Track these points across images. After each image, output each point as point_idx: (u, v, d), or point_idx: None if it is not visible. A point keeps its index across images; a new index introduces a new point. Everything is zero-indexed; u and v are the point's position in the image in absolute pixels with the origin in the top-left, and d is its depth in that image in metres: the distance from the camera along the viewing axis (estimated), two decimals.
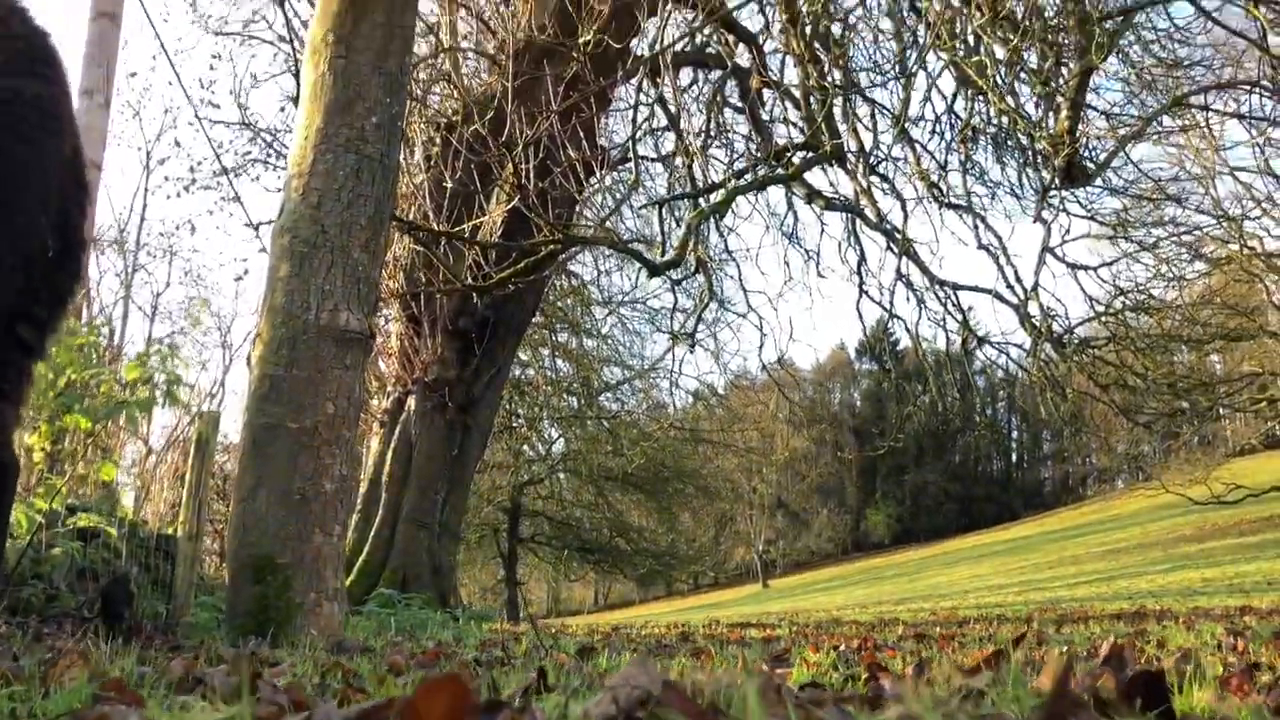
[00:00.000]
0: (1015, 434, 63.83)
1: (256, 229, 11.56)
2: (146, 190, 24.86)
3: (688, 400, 25.17)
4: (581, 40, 7.61)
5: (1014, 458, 64.45)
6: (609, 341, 21.00)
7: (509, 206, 8.00)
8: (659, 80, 9.62)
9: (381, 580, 9.11)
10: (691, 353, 14.10)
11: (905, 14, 9.50)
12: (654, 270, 7.79)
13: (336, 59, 4.37)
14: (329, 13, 4.46)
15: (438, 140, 9.24)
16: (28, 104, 1.89)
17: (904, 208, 10.67)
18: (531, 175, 7.02)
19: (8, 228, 1.84)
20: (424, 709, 0.75)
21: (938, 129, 10.56)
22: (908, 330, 12.19)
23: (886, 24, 9.47)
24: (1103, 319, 11.73)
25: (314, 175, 4.26)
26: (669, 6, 8.10)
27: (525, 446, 25.42)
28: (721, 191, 8.27)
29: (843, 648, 3.17)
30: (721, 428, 27.03)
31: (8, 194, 1.81)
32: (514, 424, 23.13)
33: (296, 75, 8.27)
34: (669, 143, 12.38)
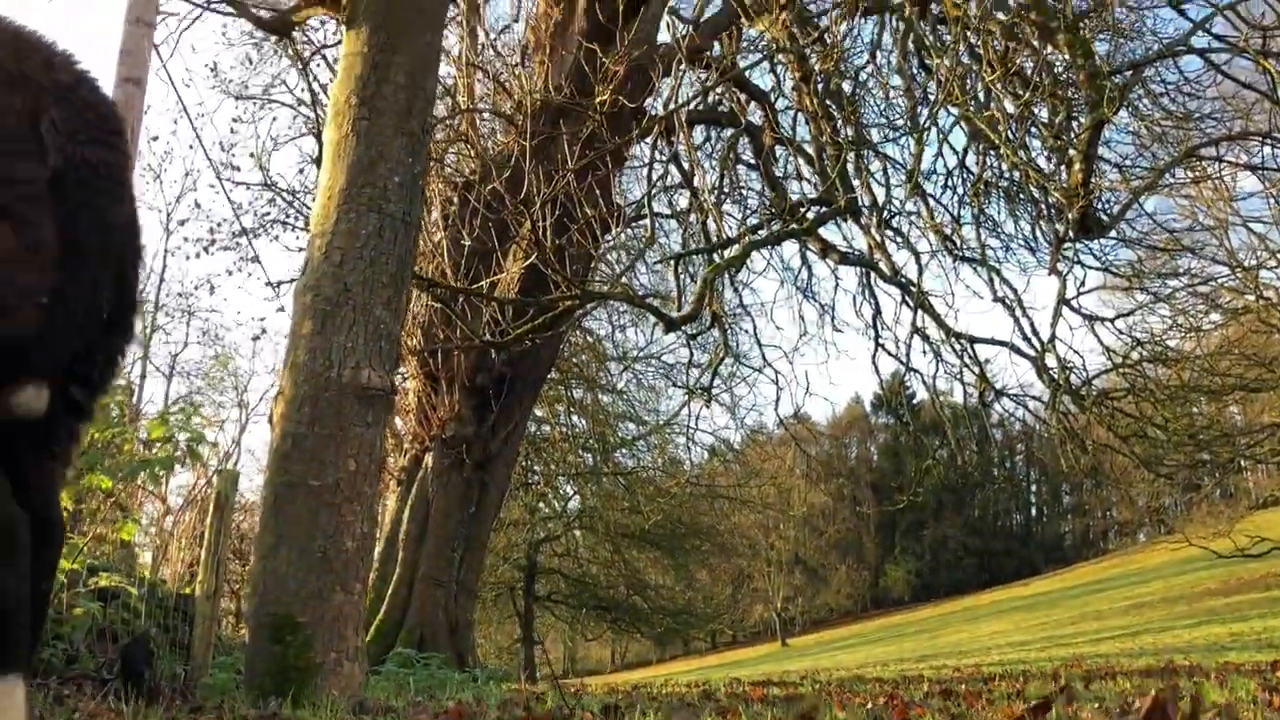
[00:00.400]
0: (1034, 487, 63.26)
1: (276, 288, 11.67)
2: (166, 251, 25.15)
3: (704, 456, 25.09)
4: (598, 100, 7.72)
5: (1033, 511, 63.81)
6: (624, 397, 21.02)
7: (526, 263, 8.07)
8: (673, 138, 9.74)
9: (399, 639, 9.04)
10: (708, 407, 14.13)
11: (915, 71, 9.62)
12: (670, 325, 7.82)
13: (360, 120, 4.44)
14: (352, 75, 4.54)
15: (455, 199, 9.35)
16: (97, 171, 1.94)
17: (918, 261, 10.71)
18: (548, 232, 7.08)
19: (74, 290, 1.89)
20: None
21: (950, 183, 10.64)
22: (924, 383, 12.17)
23: (897, 80, 9.58)
24: (1121, 370, 11.68)
25: (337, 234, 4.31)
26: (683, 67, 8.22)
27: (541, 503, 25.33)
28: (737, 246, 8.32)
29: (870, 706, 3.12)
30: (738, 483, 26.89)
31: (76, 259, 1.86)
32: (529, 480, 23.08)
33: (318, 136, 8.40)
34: (683, 199, 12.51)
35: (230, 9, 5.46)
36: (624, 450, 22.87)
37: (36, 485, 1.97)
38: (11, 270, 1.74)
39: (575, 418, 21.45)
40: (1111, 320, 11.55)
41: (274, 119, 32.67)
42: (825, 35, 8.27)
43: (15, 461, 1.87)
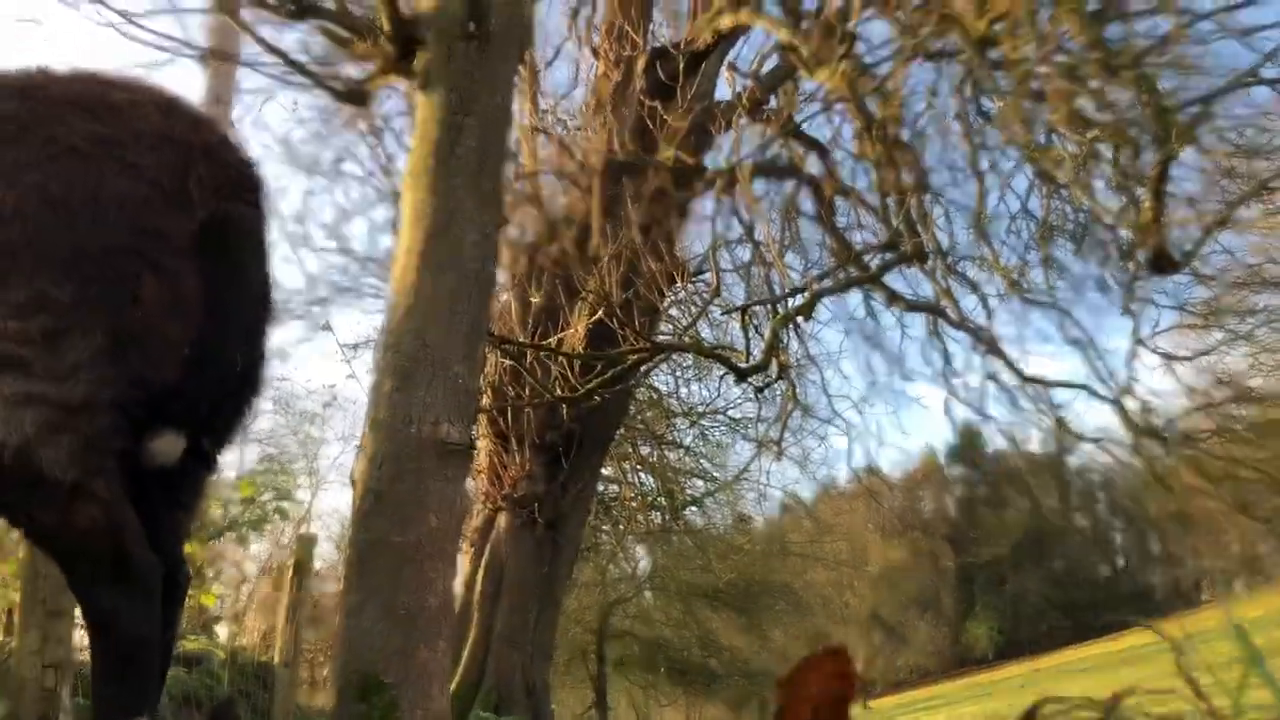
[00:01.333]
0: (1119, 536, 61.39)
1: (352, 350, 11.86)
2: None
3: (775, 511, 24.80)
4: (661, 156, 7.82)
5: (1120, 561, 61.86)
6: (691, 453, 20.90)
7: (594, 319, 8.13)
8: (734, 192, 9.78)
9: (476, 701, 9.00)
10: (778, 460, 13.99)
11: (973, 116, 9.59)
12: (740, 375, 7.79)
13: (436, 181, 4.54)
14: (428, 139, 4.66)
15: (522, 260, 9.48)
16: (239, 227, 2.02)
17: (986, 306, 10.56)
18: (615, 287, 7.14)
19: (213, 343, 1.94)
20: None
21: (1014, 227, 10.52)
22: (1000, 431, 11.94)
23: (956, 125, 9.55)
24: (1206, 411, 11.35)
25: (416, 293, 4.39)
26: (743, 120, 8.29)
27: (610, 565, 25.19)
28: (803, 295, 8.30)
29: None
30: (811, 539, 26.52)
31: (216, 312, 1.92)
32: (599, 541, 22.99)
33: (394, 201, 8.60)
34: (743, 253, 12.54)
35: (307, 80, 5.64)
36: (694, 508, 22.71)
37: (166, 535, 2.01)
38: (158, 322, 1.80)
39: (643, 475, 21.38)
40: (1190, 359, 11.25)
41: (345, 191, 33.48)
42: (886, 83, 8.29)
43: (147, 510, 1.89)
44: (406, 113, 10.36)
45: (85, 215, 1.77)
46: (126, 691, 1.73)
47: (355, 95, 5.30)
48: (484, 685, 9.31)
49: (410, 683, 3.86)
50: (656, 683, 29.94)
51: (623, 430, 16.61)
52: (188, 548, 4.38)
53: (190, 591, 4.94)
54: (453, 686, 9.24)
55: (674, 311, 13.45)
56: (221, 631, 6.54)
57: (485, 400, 10.10)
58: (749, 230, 9.81)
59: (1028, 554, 56.29)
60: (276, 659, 4.78)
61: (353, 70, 5.76)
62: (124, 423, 1.77)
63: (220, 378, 1.99)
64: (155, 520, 1.94)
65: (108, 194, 1.81)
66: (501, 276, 10.33)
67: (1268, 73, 7.44)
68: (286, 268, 21.08)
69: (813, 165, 11.64)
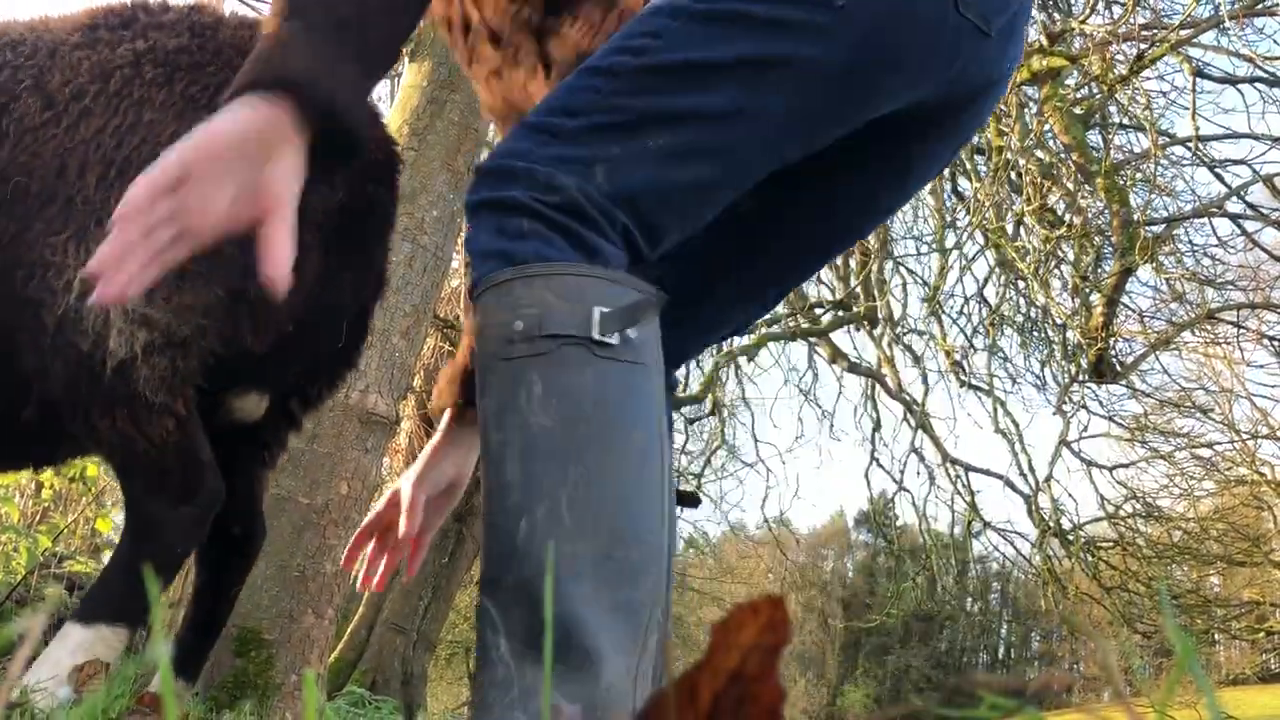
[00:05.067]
0: (1004, 629, 62.56)
1: None
2: None
3: (680, 545, 24.86)
4: None
5: (1000, 653, 63.02)
6: None
7: None
8: None
9: (350, 679, 8.84)
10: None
11: (948, 195, 9.76)
12: (675, 404, 7.80)
13: (408, 150, 4.48)
14: (408, 106, 4.60)
15: None
16: (373, 209, 2.01)
17: (925, 381, 10.74)
18: None
19: (323, 316, 1.95)
20: None
21: (965, 310, 10.72)
22: (914, 505, 12.10)
23: (929, 199, 9.71)
24: (1112, 521, 11.64)
25: None
26: None
27: None
28: (752, 336, 8.35)
29: None
30: (711, 577, 26.65)
31: (333, 288, 1.91)
32: None
33: None
34: None
35: None
36: None
37: (245, 490, 2.05)
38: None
39: None
40: (1110, 469, 11.54)
41: None
42: None
43: (231, 465, 1.93)
44: (388, 76, 10.26)
45: None
46: (131, 596, 1.71)
47: None
48: (362, 664, 9.16)
49: (291, 646, 3.77)
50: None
51: None
52: (90, 470, 4.26)
53: (87, 515, 4.80)
54: (330, 659, 9.08)
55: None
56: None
57: (417, 381, 9.99)
58: None
59: (916, 630, 57.11)
60: (157, 596, 4.63)
61: None
62: (208, 371, 1.81)
63: (319, 351, 2.02)
64: (237, 473, 1.98)
65: None
66: (456, 261, 10.24)
67: (1233, 207, 7.71)
68: None
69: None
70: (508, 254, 1.12)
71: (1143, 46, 7.12)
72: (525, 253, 1.11)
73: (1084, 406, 10.61)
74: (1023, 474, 10.76)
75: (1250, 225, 8.08)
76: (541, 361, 1.07)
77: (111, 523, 5.31)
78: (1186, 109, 7.53)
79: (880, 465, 11.78)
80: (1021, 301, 10.10)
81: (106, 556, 7.01)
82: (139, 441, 1.73)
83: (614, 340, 1.09)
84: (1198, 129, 7.51)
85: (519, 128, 1.19)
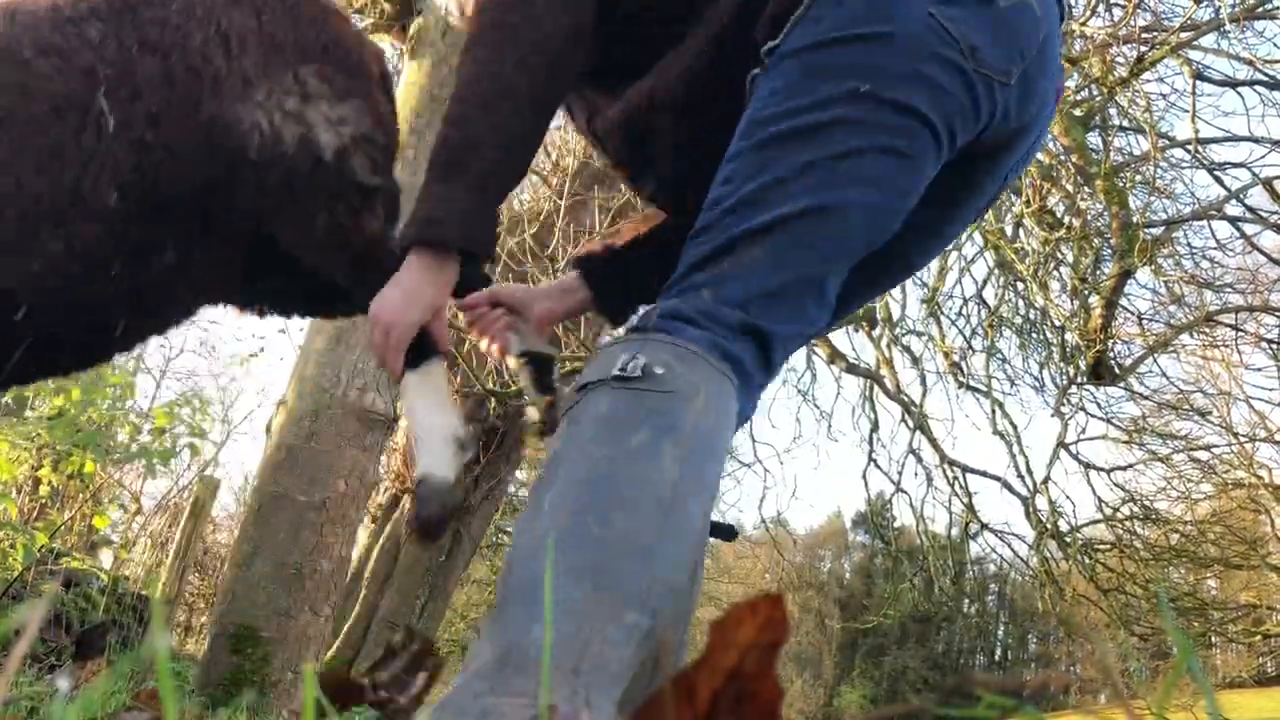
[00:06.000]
0: (1001, 630, 62.60)
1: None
2: None
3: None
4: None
5: (997, 654, 63.05)
6: None
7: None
8: None
9: None
10: None
11: None
12: None
13: (407, 148, 4.48)
14: (407, 104, 4.61)
15: None
16: None
17: (924, 382, 10.73)
18: None
19: None
20: None
21: (964, 311, 10.72)
22: (911, 506, 12.09)
23: None
24: (1110, 523, 11.63)
25: None
26: None
27: None
28: None
29: None
30: (708, 577, 26.65)
31: None
32: (499, 541, 22.79)
33: None
34: None
35: None
36: None
37: None
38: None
39: None
40: (1107, 471, 11.53)
41: None
42: None
43: None
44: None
45: None
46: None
47: None
48: (358, 663, 9.14)
49: (287, 643, 3.77)
50: None
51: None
52: (88, 466, 4.26)
53: (84, 512, 4.79)
54: (327, 657, 9.07)
55: (620, 330, 13.45)
56: (106, 558, 6.33)
57: None
58: None
59: (913, 631, 57.04)
60: (157, 594, 4.64)
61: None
62: None
63: None
64: None
65: None
66: None
67: (1232, 210, 7.70)
68: None
69: None
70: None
71: (1143, 49, 7.11)
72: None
73: (1082, 408, 10.60)
74: (1020, 476, 10.76)
75: (1249, 228, 8.08)
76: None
77: (108, 519, 5.31)
78: (1186, 111, 7.53)
79: (878, 466, 11.78)
80: (1020, 303, 10.10)
81: (104, 554, 7.00)
82: (356, 232, 1.94)
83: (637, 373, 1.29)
84: (1197, 131, 7.50)
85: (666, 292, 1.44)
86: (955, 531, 12.21)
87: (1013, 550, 12.54)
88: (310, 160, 1.93)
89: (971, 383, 10.68)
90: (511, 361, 1.81)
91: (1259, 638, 17.23)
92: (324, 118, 1.97)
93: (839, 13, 1.43)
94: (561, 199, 7.62)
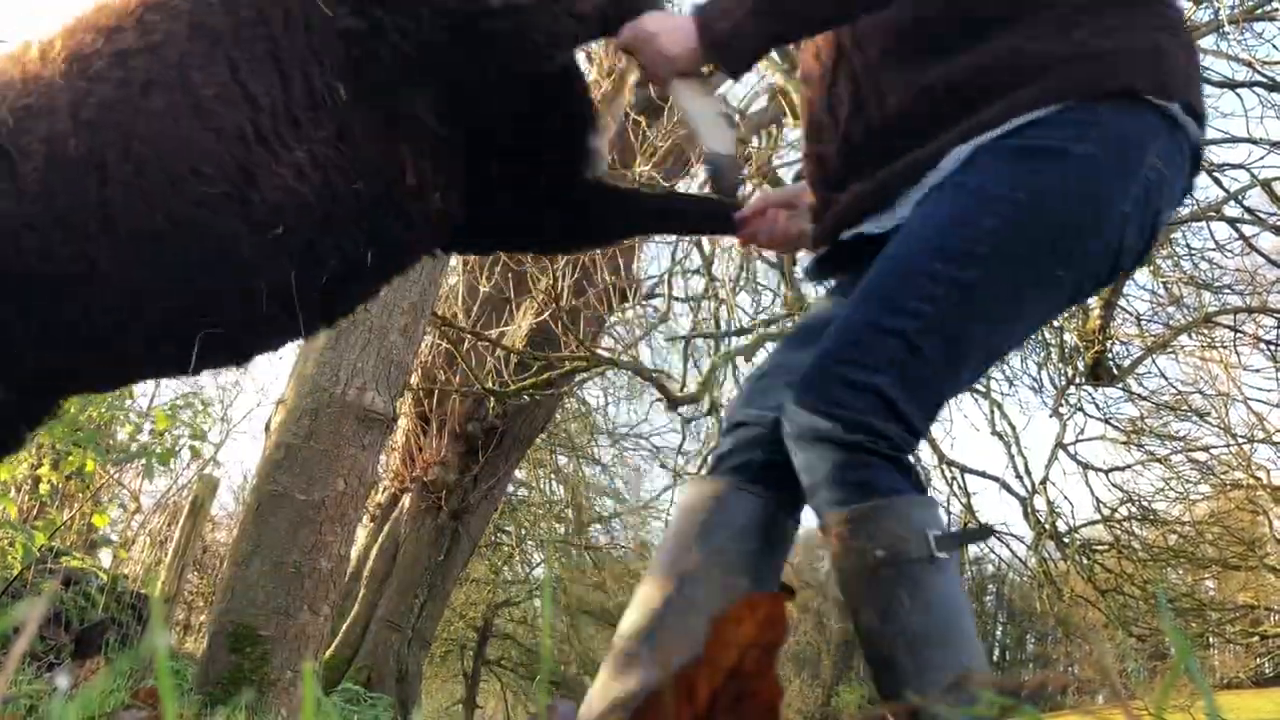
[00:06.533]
0: (999, 630, 62.51)
1: None
2: None
3: None
4: (636, 171, 7.83)
5: (995, 654, 62.97)
6: (608, 472, 20.89)
7: (539, 318, 8.09)
8: None
9: (346, 675, 8.83)
10: None
11: None
12: (673, 403, 7.80)
13: None
14: None
15: None
16: None
17: None
18: (567, 291, 7.11)
19: None
20: None
21: None
22: None
23: None
24: (1108, 523, 11.63)
25: None
26: None
27: (505, 566, 24.98)
28: (749, 336, 8.35)
29: None
30: None
31: None
32: (498, 540, 22.81)
33: None
34: (696, 284, 12.57)
35: None
36: (598, 525, 22.67)
37: None
38: None
39: (556, 485, 21.30)
40: (1106, 472, 11.53)
41: None
42: None
43: None
44: None
45: None
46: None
47: None
48: (357, 661, 9.15)
49: (286, 642, 3.77)
50: (529, 690, 29.70)
51: (544, 436, 16.54)
52: (89, 466, 4.25)
53: (84, 511, 4.79)
54: (327, 656, 9.07)
55: (619, 329, 13.46)
56: (106, 557, 6.33)
57: (414, 378, 9.98)
58: (708, 263, 9.84)
59: None
60: (156, 592, 4.63)
61: None
62: None
63: None
64: None
65: None
66: (453, 259, 10.23)
67: (1230, 211, 7.70)
68: None
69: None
70: (867, 485, 1.53)
71: None
72: (878, 485, 1.53)
73: (1080, 409, 10.61)
74: (1019, 476, 10.76)
75: (1248, 229, 8.07)
76: (905, 580, 1.50)
77: (108, 517, 5.31)
78: None
79: None
80: None
81: (103, 553, 7.00)
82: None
83: (945, 555, 1.50)
84: None
85: (826, 376, 1.60)
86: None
87: (1011, 551, 12.54)
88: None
89: (970, 385, 10.67)
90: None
91: (1257, 638, 17.24)
92: None
93: (1074, 159, 1.57)
94: None
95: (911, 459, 1.61)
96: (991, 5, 1.70)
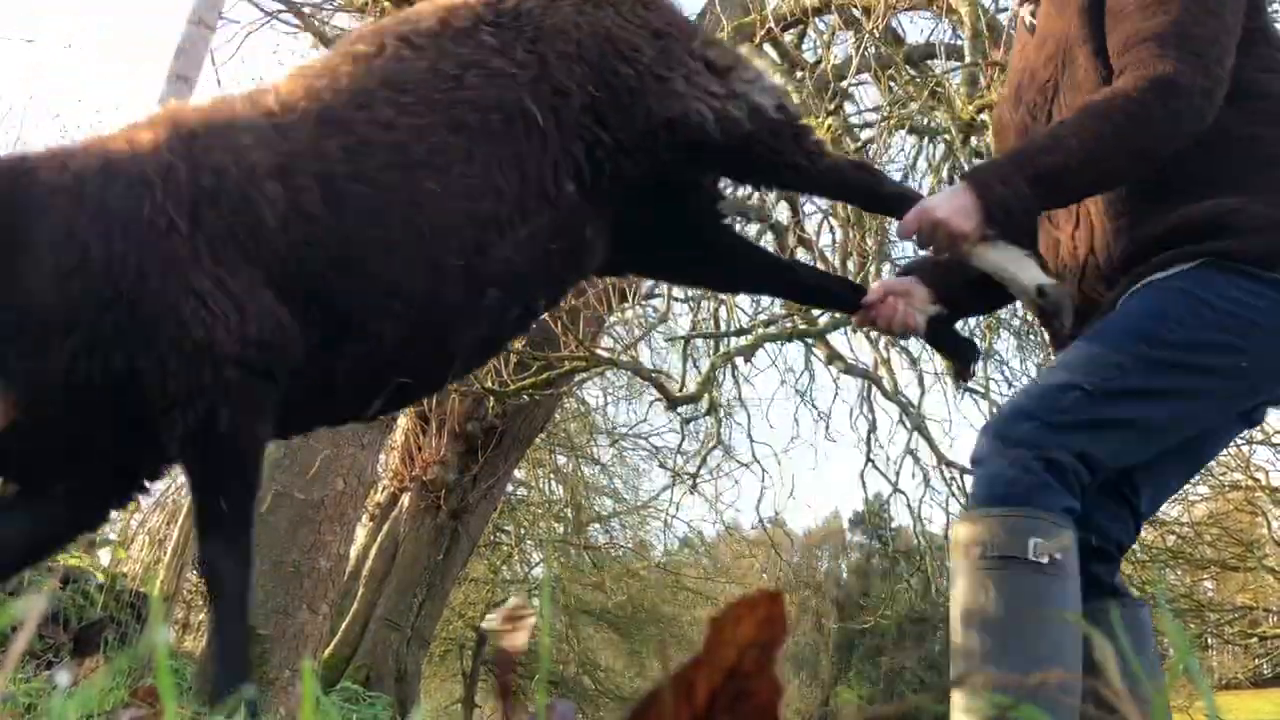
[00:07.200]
0: None
1: None
2: None
3: (674, 544, 24.82)
4: None
5: None
6: (607, 471, 20.89)
7: (539, 316, 8.09)
8: None
9: (345, 675, 8.83)
10: (692, 493, 14.04)
11: None
12: (672, 403, 7.81)
13: None
14: None
15: None
16: None
17: (922, 383, 10.74)
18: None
19: None
20: None
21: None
22: (909, 507, 12.09)
23: None
24: None
25: None
26: None
27: (504, 566, 24.98)
28: (748, 337, 8.35)
29: None
30: (706, 577, 26.59)
31: None
32: (496, 539, 22.81)
33: None
34: None
35: (297, 23, 5.55)
36: (597, 525, 22.67)
37: None
38: None
39: (555, 485, 21.30)
40: None
41: None
42: (867, 146, 8.41)
43: None
44: None
45: None
46: None
47: None
48: (356, 660, 9.15)
49: (285, 641, 3.77)
50: (528, 689, 29.66)
51: (544, 435, 16.53)
52: None
53: None
54: (326, 655, 9.06)
55: (619, 329, 13.45)
56: (104, 556, 6.32)
57: None
58: None
59: (910, 632, 57.00)
60: (155, 591, 4.64)
61: (344, 20, 5.69)
62: None
63: None
64: None
65: None
66: None
67: None
68: None
69: (781, 213, 11.75)
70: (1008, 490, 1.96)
71: None
72: (1017, 494, 1.93)
73: None
74: None
75: None
76: (996, 575, 1.87)
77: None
78: None
79: (876, 467, 11.79)
80: (1018, 305, 10.08)
81: (102, 552, 6.99)
82: (812, 155, 2.31)
83: (1044, 560, 1.84)
84: None
85: (1020, 413, 2.10)
86: (953, 532, 12.21)
87: None
88: (764, 122, 2.15)
89: (969, 384, 10.68)
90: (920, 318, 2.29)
91: (1255, 640, 17.23)
92: (745, 83, 2.18)
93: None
94: None
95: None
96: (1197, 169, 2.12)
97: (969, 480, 8.52)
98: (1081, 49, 2.21)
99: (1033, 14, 2.53)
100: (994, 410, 10.68)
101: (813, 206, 11.63)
